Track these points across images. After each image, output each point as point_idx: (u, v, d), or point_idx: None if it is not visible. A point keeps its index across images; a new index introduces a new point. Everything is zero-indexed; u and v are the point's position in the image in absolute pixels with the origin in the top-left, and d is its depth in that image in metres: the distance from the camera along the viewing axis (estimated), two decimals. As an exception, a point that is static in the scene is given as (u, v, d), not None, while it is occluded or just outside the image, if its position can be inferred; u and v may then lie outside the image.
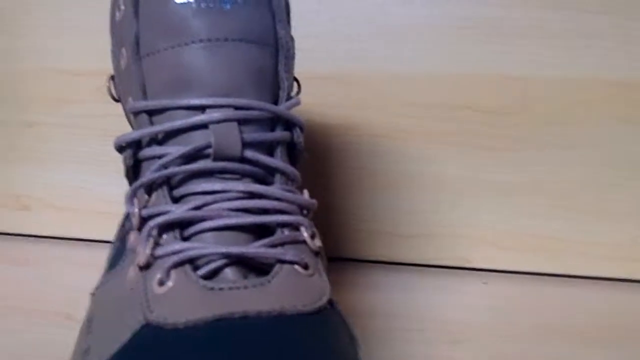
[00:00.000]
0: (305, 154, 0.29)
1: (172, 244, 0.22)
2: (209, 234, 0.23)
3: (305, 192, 0.27)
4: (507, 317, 0.38)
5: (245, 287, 0.21)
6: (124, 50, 0.27)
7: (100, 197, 0.49)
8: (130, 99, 0.26)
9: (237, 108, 0.25)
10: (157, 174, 0.24)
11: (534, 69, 0.42)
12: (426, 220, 0.45)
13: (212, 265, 0.22)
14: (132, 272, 0.23)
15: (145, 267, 0.22)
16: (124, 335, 0.21)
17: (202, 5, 0.25)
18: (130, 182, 0.27)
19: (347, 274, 0.44)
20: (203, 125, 0.24)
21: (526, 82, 0.43)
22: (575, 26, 0.42)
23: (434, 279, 0.44)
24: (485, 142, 0.44)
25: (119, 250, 0.27)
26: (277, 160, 0.26)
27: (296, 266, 0.23)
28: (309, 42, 0.43)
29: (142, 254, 0.22)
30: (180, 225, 0.23)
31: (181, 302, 0.20)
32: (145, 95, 0.26)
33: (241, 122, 0.25)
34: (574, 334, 0.36)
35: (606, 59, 0.42)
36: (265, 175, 0.25)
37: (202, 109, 0.25)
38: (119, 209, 0.34)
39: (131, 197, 0.24)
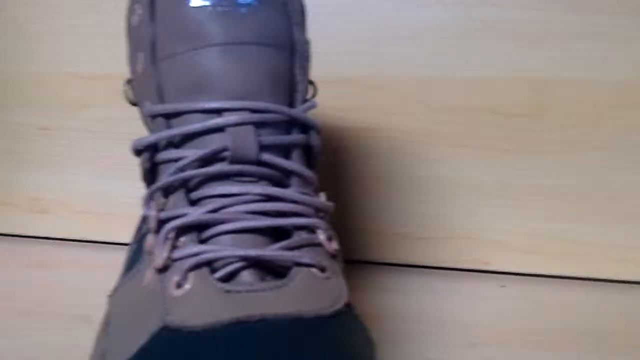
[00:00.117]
0: (321, 157, 0.29)
1: (189, 246, 0.22)
2: (226, 237, 0.23)
3: (322, 195, 0.27)
4: (525, 321, 0.38)
5: (263, 290, 0.21)
6: (140, 54, 0.27)
7: (117, 199, 0.49)
8: (147, 103, 0.27)
9: (253, 111, 0.25)
10: (174, 177, 0.24)
11: (555, 71, 0.42)
12: (444, 223, 0.45)
13: (230, 268, 0.22)
14: (150, 274, 0.23)
15: (163, 269, 0.22)
16: (142, 338, 0.21)
17: (219, 8, 0.25)
18: (148, 185, 0.27)
19: (363, 277, 0.44)
20: (220, 129, 0.24)
21: (548, 84, 0.42)
22: (599, 28, 0.41)
23: (451, 282, 0.43)
24: (504, 145, 0.44)
25: (136, 253, 0.27)
26: (294, 163, 0.25)
27: (313, 269, 0.23)
28: (324, 45, 0.43)
29: (160, 256, 0.22)
30: (198, 228, 0.23)
31: (199, 304, 0.20)
32: (162, 99, 0.26)
33: (257, 125, 0.25)
34: (594, 338, 0.36)
35: (632, 61, 0.41)
36: (282, 178, 0.25)
37: (218, 112, 0.25)
38: (136, 212, 0.34)
39: (148, 200, 0.25)
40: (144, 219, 0.31)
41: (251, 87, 0.25)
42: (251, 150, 0.24)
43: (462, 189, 0.45)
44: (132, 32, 0.28)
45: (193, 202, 0.24)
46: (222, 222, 0.23)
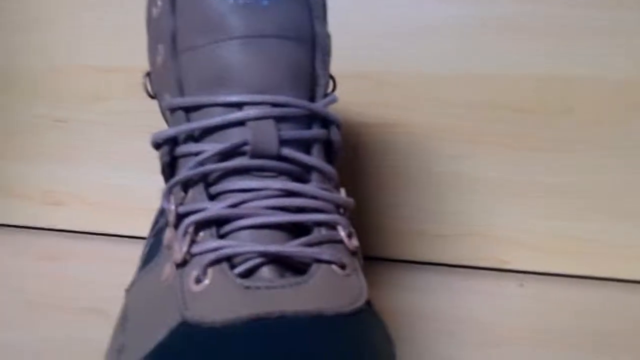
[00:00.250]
0: (341, 152, 0.28)
1: (208, 241, 0.22)
2: (245, 232, 0.23)
3: (342, 191, 0.26)
4: (543, 320, 0.38)
5: (282, 287, 0.21)
6: (160, 46, 0.27)
7: (132, 192, 0.50)
8: (167, 96, 0.26)
9: (274, 105, 0.25)
10: (193, 171, 0.24)
11: (576, 68, 0.42)
12: (462, 221, 0.45)
13: (249, 264, 0.22)
14: (168, 269, 0.23)
15: (182, 264, 0.22)
16: (160, 333, 0.21)
17: (240, 1, 0.25)
18: (166, 179, 0.27)
19: (380, 274, 0.43)
20: (240, 123, 0.24)
21: (568, 82, 0.42)
22: (621, 25, 0.41)
23: (469, 280, 0.43)
24: (523, 142, 0.43)
25: (153, 247, 0.27)
26: (314, 158, 0.25)
27: (333, 266, 0.22)
28: (342, 39, 0.43)
29: (179, 251, 0.22)
30: (217, 223, 0.23)
31: (218, 300, 0.20)
32: (182, 92, 0.26)
33: (278, 119, 0.25)
34: (612, 339, 0.36)
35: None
36: (302, 173, 0.25)
37: (239, 105, 0.25)
38: (152, 205, 0.34)
39: (167, 193, 0.24)
40: (161, 213, 0.31)
41: (272, 80, 0.25)
42: (272, 145, 0.24)
43: (480, 186, 0.44)
44: (153, 24, 0.28)
45: (212, 197, 0.24)
46: (241, 217, 0.23)
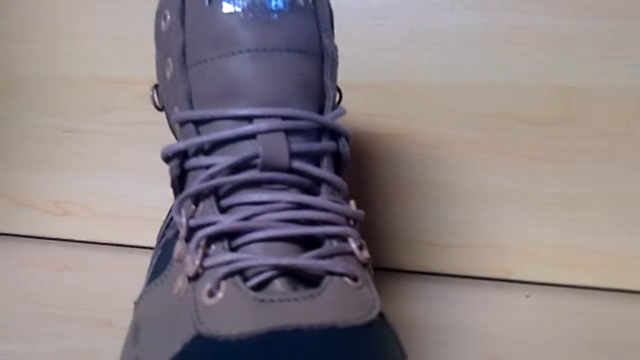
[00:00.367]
0: (350, 164, 0.29)
1: (221, 254, 0.22)
2: (257, 245, 0.23)
3: (352, 203, 0.27)
4: (550, 332, 0.38)
5: (296, 300, 0.21)
6: (170, 60, 0.27)
7: (140, 203, 0.50)
8: (176, 109, 0.27)
9: (284, 118, 0.25)
10: (204, 184, 0.24)
11: (585, 78, 0.42)
12: (469, 231, 0.45)
13: (262, 277, 0.22)
14: (180, 282, 0.23)
15: (194, 277, 0.22)
16: (174, 347, 0.21)
17: (250, 15, 0.25)
18: (176, 192, 0.27)
19: (385, 284, 0.43)
20: (251, 136, 0.24)
21: (577, 91, 0.42)
22: (628, 35, 0.41)
23: (475, 291, 0.43)
24: (531, 152, 0.44)
25: (162, 259, 0.28)
26: (324, 171, 0.25)
27: (346, 278, 0.23)
28: (349, 49, 0.43)
29: (191, 264, 0.22)
30: (229, 236, 0.23)
31: (232, 313, 0.20)
32: (191, 105, 0.26)
33: (288, 132, 0.25)
34: (620, 351, 0.36)
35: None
36: (312, 186, 0.25)
37: (249, 119, 0.25)
38: (159, 215, 0.34)
39: (178, 207, 0.25)
40: (167, 225, 0.31)
41: (282, 94, 0.25)
42: (282, 158, 0.24)
43: (487, 197, 0.44)
44: (162, 38, 0.29)
45: (223, 210, 0.24)
46: (253, 230, 0.23)
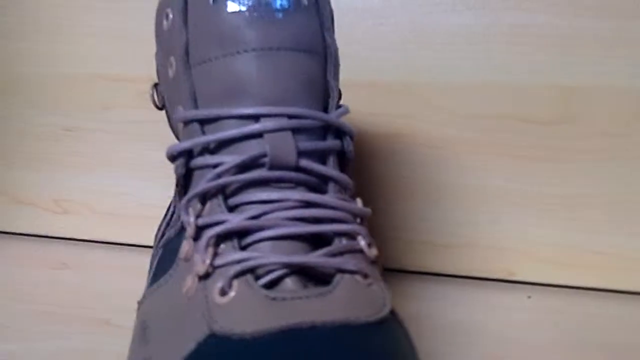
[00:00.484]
0: (354, 162, 0.30)
1: (231, 253, 0.23)
2: (266, 244, 0.24)
3: (359, 201, 0.28)
4: (550, 332, 0.39)
5: (308, 297, 0.22)
6: (172, 58, 0.28)
7: (140, 201, 0.51)
8: (180, 108, 0.28)
9: (290, 117, 0.26)
10: (212, 183, 0.25)
11: (585, 78, 0.43)
12: (470, 232, 0.46)
13: (273, 275, 0.23)
14: (190, 281, 0.24)
15: (205, 276, 0.23)
16: (187, 346, 0.22)
17: (255, 14, 0.26)
18: (181, 191, 0.28)
19: (387, 284, 0.44)
20: (257, 135, 0.25)
21: (577, 91, 0.43)
22: (628, 35, 0.42)
23: (476, 292, 0.44)
24: (533, 153, 0.44)
25: (165, 258, 0.28)
26: (331, 169, 0.26)
27: (357, 276, 0.23)
28: (351, 48, 0.44)
29: (201, 263, 0.23)
30: (238, 235, 0.24)
31: (245, 312, 0.21)
32: (196, 104, 0.27)
33: (294, 131, 0.26)
34: (622, 352, 0.36)
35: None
36: (319, 184, 0.26)
37: (255, 118, 0.26)
38: (159, 214, 0.35)
39: (186, 206, 0.25)
40: (168, 224, 0.32)
41: (287, 93, 0.26)
42: (290, 157, 0.25)
43: (488, 197, 0.45)
44: (163, 36, 0.29)
45: (231, 209, 0.25)
46: (262, 228, 0.24)
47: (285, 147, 0.25)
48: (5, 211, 0.55)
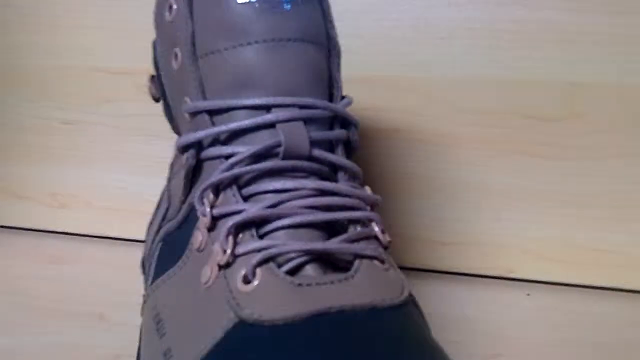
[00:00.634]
0: (358, 151, 0.32)
1: (251, 242, 0.25)
2: (283, 232, 0.25)
3: (367, 188, 0.30)
4: (550, 330, 0.40)
5: (332, 283, 0.23)
6: (177, 50, 0.30)
7: (138, 196, 0.52)
8: (187, 99, 0.29)
9: (301, 107, 0.28)
10: (227, 174, 0.26)
11: (588, 75, 0.45)
12: (470, 228, 0.48)
13: (294, 262, 0.24)
14: (209, 271, 0.25)
15: (225, 266, 0.25)
16: (214, 334, 0.23)
17: (265, 5, 0.28)
18: (189, 183, 0.29)
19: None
20: (270, 125, 0.27)
21: (581, 87, 0.45)
22: (632, 32, 0.44)
23: (475, 289, 0.46)
24: (534, 149, 0.46)
25: (168, 251, 0.30)
26: (342, 158, 0.28)
27: (375, 261, 0.25)
28: (354, 43, 0.46)
29: (222, 253, 0.25)
30: (256, 224, 0.26)
31: (272, 299, 0.23)
32: (204, 95, 0.29)
33: (305, 121, 0.28)
34: (621, 350, 0.38)
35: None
36: (330, 173, 0.28)
37: (267, 108, 0.27)
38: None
39: (201, 197, 0.27)
40: (164, 217, 0.34)
41: (297, 83, 0.28)
42: (303, 146, 0.27)
43: (488, 194, 0.47)
44: (165, 28, 0.31)
45: (245, 199, 0.27)
46: (280, 217, 0.25)
47: (298, 137, 0.27)
48: (2, 205, 0.56)
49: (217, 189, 0.27)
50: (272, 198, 0.26)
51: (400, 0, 0.46)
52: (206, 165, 0.28)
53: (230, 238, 0.25)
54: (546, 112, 0.46)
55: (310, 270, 0.25)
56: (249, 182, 0.27)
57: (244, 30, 0.28)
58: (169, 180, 0.34)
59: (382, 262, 0.26)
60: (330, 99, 0.30)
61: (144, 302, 0.30)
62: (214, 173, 0.27)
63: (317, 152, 0.28)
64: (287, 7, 0.29)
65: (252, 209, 0.26)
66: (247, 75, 0.28)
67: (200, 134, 0.28)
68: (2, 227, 0.56)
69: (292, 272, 0.24)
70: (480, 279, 0.48)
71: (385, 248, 0.27)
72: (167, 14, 0.31)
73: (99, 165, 0.53)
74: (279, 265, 0.24)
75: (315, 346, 0.21)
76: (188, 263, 0.27)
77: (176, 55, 0.30)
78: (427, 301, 0.43)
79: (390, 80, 0.47)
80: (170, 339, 0.25)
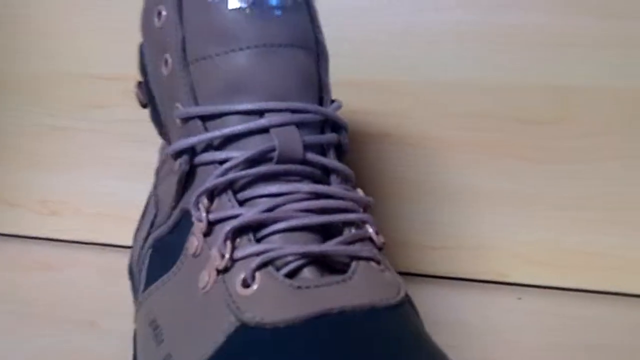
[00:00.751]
0: (348, 154, 0.34)
1: (249, 246, 0.26)
2: (279, 236, 0.27)
3: (360, 191, 0.31)
4: (542, 334, 0.42)
5: (330, 285, 0.25)
6: (167, 55, 0.31)
7: (128, 202, 0.53)
8: (178, 105, 0.31)
9: (293, 111, 0.29)
10: (222, 179, 0.28)
11: (579, 78, 0.46)
12: (461, 233, 0.49)
13: (292, 265, 0.26)
14: (207, 276, 0.27)
15: (224, 270, 0.26)
16: (215, 338, 0.24)
17: (255, 11, 0.29)
18: (182, 189, 0.31)
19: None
20: (263, 130, 0.29)
21: (571, 91, 0.46)
22: (623, 34, 0.45)
23: (467, 293, 0.48)
24: (525, 153, 0.48)
25: (159, 258, 0.31)
26: (335, 161, 0.30)
27: (371, 262, 0.27)
28: (343, 47, 0.47)
29: (220, 257, 0.26)
30: (253, 228, 0.27)
31: (272, 302, 0.24)
32: (196, 101, 0.30)
33: (298, 125, 0.29)
34: (612, 354, 0.39)
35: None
36: (322, 176, 0.30)
37: (259, 113, 0.29)
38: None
39: (196, 202, 0.29)
40: (152, 224, 0.35)
41: (288, 88, 0.30)
42: (297, 150, 0.29)
43: (479, 198, 0.49)
44: (155, 34, 0.32)
45: (241, 203, 0.28)
46: (277, 221, 0.27)
47: (292, 141, 0.29)
48: (-9, 212, 0.56)
49: (212, 194, 0.29)
50: (267, 202, 0.27)
51: (388, 4, 0.48)
52: (199, 170, 0.30)
53: (229, 243, 0.26)
54: (537, 116, 0.47)
55: (307, 272, 0.26)
56: (244, 187, 0.29)
57: (235, 36, 0.29)
58: (156, 186, 0.36)
59: (378, 263, 0.27)
60: (321, 103, 0.32)
61: (137, 309, 0.31)
62: (209, 178, 0.28)
63: (310, 156, 0.29)
64: (278, 13, 0.30)
65: (249, 213, 0.27)
66: (239, 81, 0.29)
67: (193, 140, 0.29)
68: (-9, 234, 0.57)
69: (290, 275, 0.26)
70: (471, 283, 0.49)
71: (380, 249, 0.29)
72: (155, 20, 0.32)
73: (90, 172, 0.55)
74: (277, 269, 0.26)
75: (316, 347, 0.23)
76: (183, 269, 0.29)
77: (166, 61, 0.31)
78: (417, 305, 0.44)
79: (379, 84, 0.49)
80: (170, 344, 0.27)
